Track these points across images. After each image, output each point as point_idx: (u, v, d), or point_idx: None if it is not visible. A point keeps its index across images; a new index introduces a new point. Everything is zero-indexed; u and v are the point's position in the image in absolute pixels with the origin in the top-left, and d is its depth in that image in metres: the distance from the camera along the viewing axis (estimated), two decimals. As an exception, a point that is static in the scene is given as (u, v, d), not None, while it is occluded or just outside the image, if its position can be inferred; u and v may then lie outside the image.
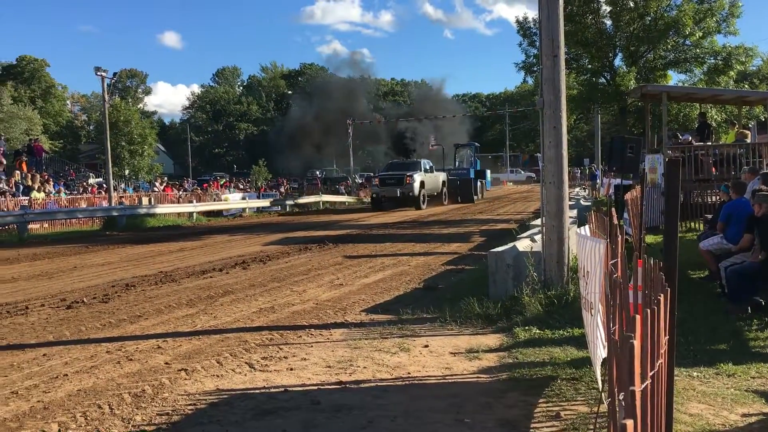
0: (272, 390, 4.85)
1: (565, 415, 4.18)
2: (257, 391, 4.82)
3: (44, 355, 5.98)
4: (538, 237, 8.71)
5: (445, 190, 31.77)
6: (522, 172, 68.85)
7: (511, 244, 8.39)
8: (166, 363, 5.61)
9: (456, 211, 27.54)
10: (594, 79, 30.07)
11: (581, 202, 22.35)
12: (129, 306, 8.33)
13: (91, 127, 73.04)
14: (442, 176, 31.89)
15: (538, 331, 6.30)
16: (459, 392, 4.75)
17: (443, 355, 5.72)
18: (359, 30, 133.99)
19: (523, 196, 38.87)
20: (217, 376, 5.21)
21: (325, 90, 36.79)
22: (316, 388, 4.88)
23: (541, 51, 7.57)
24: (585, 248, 4.43)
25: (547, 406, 4.38)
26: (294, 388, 4.87)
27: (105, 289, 9.71)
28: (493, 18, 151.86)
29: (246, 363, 5.57)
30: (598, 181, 33.97)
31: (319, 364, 5.49)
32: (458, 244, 14.55)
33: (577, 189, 38.52)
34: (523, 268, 7.40)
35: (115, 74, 28.28)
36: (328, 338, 6.45)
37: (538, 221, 11.24)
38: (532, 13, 30.04)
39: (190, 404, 4.54)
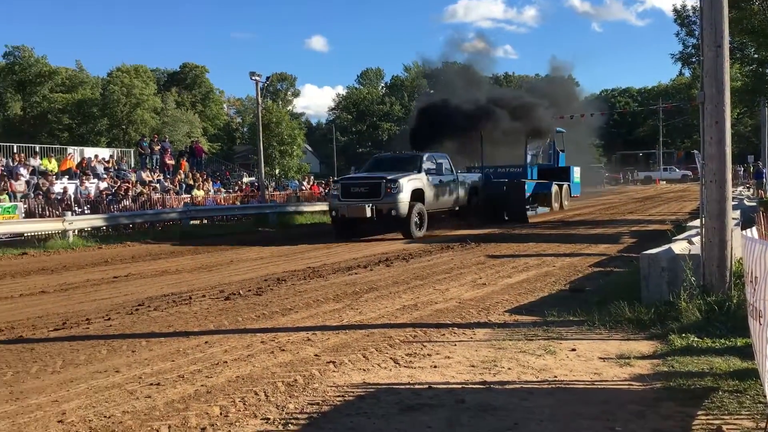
0: (416, 386, 4.91)
1: (727, 429, 3.91)
2: (402, 387, 4.90)
3: (206, 342, 6.42)
4: (696, 239, 8.19)
5: (474, 201, 20.55)
6: (677, 170, 64.92)
7: (666, 246, 7.94)
8: (316, 355, 5.84)
9: (603, 211, 26.42)
10: (761, 69, 27.65)
11: (745, 202, 20.79)
12: (280, 299, 8.75)
13: (245, 129, 77.31)
14: (470, 180, 20.79)
15: (696, 338, 5.92)
16: (609, 399, 4.57)
17: (592, 360, 5.53)
18: (502, 26, 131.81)
19: (678, 195, 36.70)
20: (364, 370, 5.35)
21: (451, 86, 29.18)
22: (460, 386, 4.89)
23: (702, 41, 7.09)
24: (753, 252, 4.11)
25: (707, 419, 4.11)
26: (438, 386, 4.90)
27: (259, 282, 10.26)
28: (646, 8, 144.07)
29: (391, 358, 5.67)
30: (764, 179, 31.31)
31: (463, 363, 5.49)
32: (606, 246, 13.99)
33: (740, 188, 35.72)
34: (679, 272, 6.98)
35: (267, 78, 29.69)
36: (471, 337, 6.43)
37: (695, 222, 10.59)
38: (692, 1, 28.25)
39: (338, 395, 4.70)
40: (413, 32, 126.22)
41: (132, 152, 31.59)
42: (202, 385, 4.97)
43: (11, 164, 23.46)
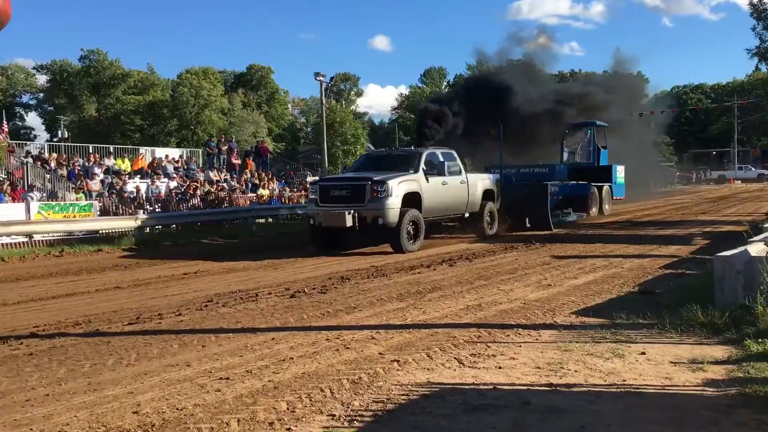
0: (481, 387, 4.89)
1: (808, 440, 3.75)
2: (466, 387, 4.88)
3: (272, 339, 6.54)
4: (773, 241, 7.87)
5: (491, 207, 17.27)
6: (752, 168, 62.49)
7: (741, 248, 7.65)
8: (380, 353, 5.88)
9: (673, 212, 25.60)
10: None
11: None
12: (344, 297, 8.84)
13: (309, 129, 78.31)
14: (483, 182, 17.23)
15: (773, 344, 5.69)
16: (680, 404, 4.44)
17: (662, 364, 5.38)
18: (568, 23, 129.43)
19: (754, 196, 35.33)
20: (428, 369, 5.35)
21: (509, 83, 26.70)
22: (525, 388, 4.84)
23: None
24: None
25: (786, 429, 3.95)
26: (503, 387, 4.86)
27: (323, 280, 10.39)
28: (719, 2, 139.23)
29: (455, 358, 5.66)
30: None
31: (528, 365, 5.43)
32: (677, 247, 13.58)
33: None
34: (755, 275, 6.72)
35: (331, 78, 30.03)
36: (536, 339, 6.36)
37: (773, 223, 10.16)
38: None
39: (402, 394, 4.72)
40: (477, 31, 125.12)
41: (200, 152, 32.42)
42: (269, 381, 5.08)
43: (87, 164, 24.43)
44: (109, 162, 25.48)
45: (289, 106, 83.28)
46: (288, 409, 4.44)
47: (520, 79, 27.43)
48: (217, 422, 4.18)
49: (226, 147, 29.72)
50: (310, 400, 4.61)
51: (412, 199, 14.35)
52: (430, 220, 15.32)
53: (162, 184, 23.92)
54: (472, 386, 4.90)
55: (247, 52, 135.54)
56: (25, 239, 16.91)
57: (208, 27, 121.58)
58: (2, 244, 16.43)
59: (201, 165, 29.62)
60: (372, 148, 48.77)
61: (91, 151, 26.60)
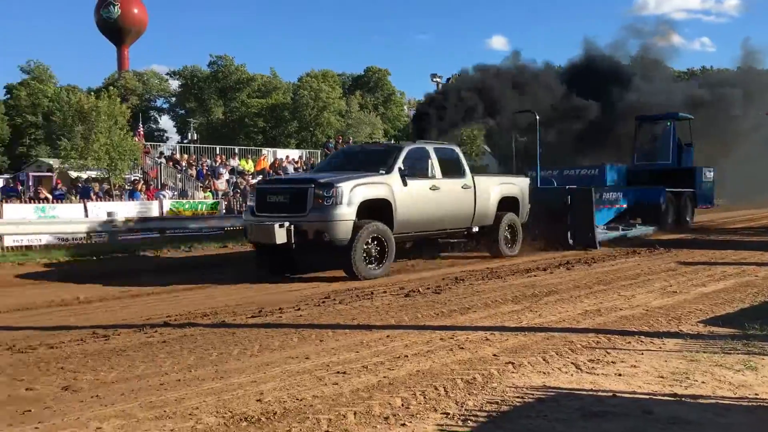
0: (600, 393, 4.75)
1: None
2: (584, 393, 4.77)
3: (387, 336, 6.65)
4: None
5: (512, 219, 13.75)
6: None
7: None
8: (494, 355, 5.84)
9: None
10: None
11: None
12: (459, 298, 8.83)
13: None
14: (500, 187, 13.67)
15: None
16: (821, 423, 4.14)
17: (800, 380, 5.02)
18: (699, 17, 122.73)
19: None
20: (543, 373, 5.27)
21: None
22: (647, 397, 4.66)
23: None
24: None
25: None
26: (623, 394, 4.70)
27: (437, 281, 10.43)
28: None
29: (572, 363, 5.53)
30: None
31: (650, 373, 5.22)
32: (819, 255, 12.59)
33: None
34: None
35: (447, 79, 30.02)
36: (660, 347, 6.09)
37: None
38: None
39: (517, 396, 4.67)
40: (598, 30, 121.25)
41: (318, 153, 33.36)
42: (384, 377, 5.17)
43: (214, 164, 25.76)
44: (234, 162, 26.75)
45: (405, 107, 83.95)
46: (402, 405, 4.50)
47: (632, 71, 24.30)
48: (334, 413, 4.31)
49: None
50: (424, 397, 4.66)
51: (375, 209, 11.03)
52: (411, 236, 12.12)
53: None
54: (590, 392, 4.78)
55: (365, 55, 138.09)
56: (157, 235, 18.09)
57: (327, 31, 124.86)
58: (141, 238, 17.68)
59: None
60: (488, 150, 48.13)
61: (218, 152, 28.03)
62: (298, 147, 50.68)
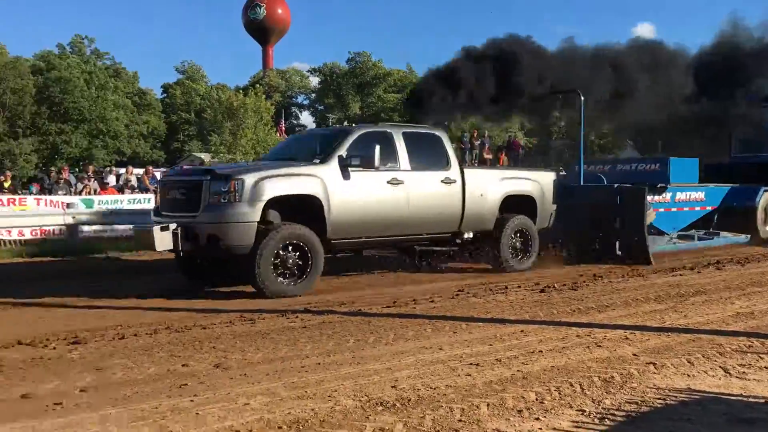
0: (750, 399, 4.48)
1: None
2: (732, 398, 4.51)
3: (521, 331, 6.59)
4: None
5: (522, 224, 11.23)
6: None
7: None
8: (634, 354, 5.64)
9: None
10: None
11: None
12: (596, 295, 8.59)
13: (562, 124, 76.43)
14: (504, 183, 11.24)
15: None
16: None
17: None
18: None
19: None
20: (688, 375, 5.03)
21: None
22: (805, 406, 4.33)
23: None
24: None
25: None
26: (777, 402, 4.41)
27: (574, 277, 10.19)
28: None
29: (720, 367, 5.23)
30: None
31: (810, 382, 4.84)
32: None
33: None
34: None
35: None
36: (821, 355, 5.63)
37: None
38: None
39: (658, 398, 4.49)
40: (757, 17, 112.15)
41: (453, 147, 33.30)
42: (518, 371, 5.14)
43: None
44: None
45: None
46: (536, 399, 4.47)
47: None
48: (467, 404, 4.35)
49: (479, 142, 30.18)
50: (559, 393, 4.59)
51: (300, 208, 9.03)
52: (357, 243, 9.84)
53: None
54: (739, 398, 4.51)
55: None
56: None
57: (460, 26, 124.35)
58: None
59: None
60: (632, 146, 45.99)
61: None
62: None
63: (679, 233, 14.10)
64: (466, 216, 10.54)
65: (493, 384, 4.81)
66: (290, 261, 8.77)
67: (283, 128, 37.41)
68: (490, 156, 29.95)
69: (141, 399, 4.47)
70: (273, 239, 8.60)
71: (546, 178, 11.86)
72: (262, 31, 76.36)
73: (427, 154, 10.37)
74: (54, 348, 5.97)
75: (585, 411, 4.25)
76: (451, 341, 6.17)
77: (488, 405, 4.33)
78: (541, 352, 5.73)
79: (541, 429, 3.95)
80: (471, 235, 10.79)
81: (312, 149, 10.01)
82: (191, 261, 9.78)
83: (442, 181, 10.29)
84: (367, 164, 9.27)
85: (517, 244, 11.20)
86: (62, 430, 3.88)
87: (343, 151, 9.39)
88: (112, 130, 53.16)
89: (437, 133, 10.87)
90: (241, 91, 32.56)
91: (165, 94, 67.15)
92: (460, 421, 4.07)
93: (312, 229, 8.94)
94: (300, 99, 74.94)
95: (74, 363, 5.47)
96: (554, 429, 3.95)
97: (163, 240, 8.54)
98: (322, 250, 9.02)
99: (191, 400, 4.44)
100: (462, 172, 10.56)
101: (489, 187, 10.92)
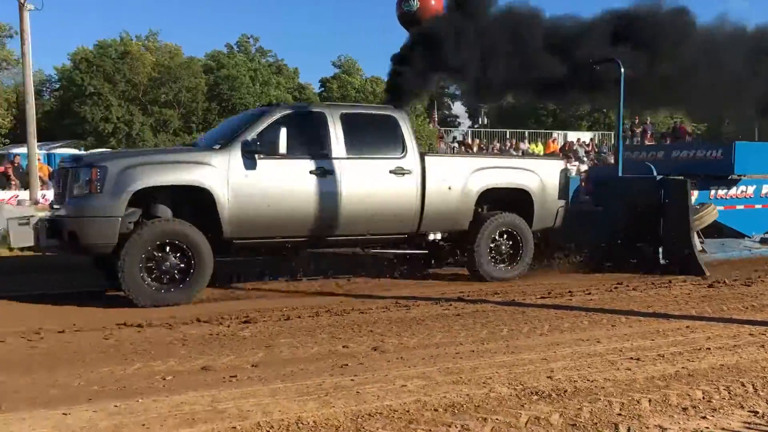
0: None
1: None
2: None
3: (687, 327, 6.27)
4: None
5: (508, 222, 9.22)
6: None
7: None
8: (817, 356, 5.19)
9: None
10: None
11: None
12: (773, 292, 7.98)
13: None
14: (482, 174, 9.13)
15: None
16: None
17: None
18: None
19: None
20: None
21: None
22: None
23: None
24: None
25: None
26: None
27: (749, 272, 9.50)
28: None
29: None
30: None
31: None
32: None
33: None
34: None
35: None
36: None
37: None
38: None
39: None
40: None
41: (611, 135, 32.01)
42: (682, 367, 4.91)
43: (504, 148, 26.22)
44: (524, 146, 26.92)
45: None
46: (703, 397, 4.25)
47: None
48: (627, 398, 4.22)
49: (641, 129, 28.76)
50: (729, 392, 4.34)
51: (191, 201, 7.73)
52: (265, 243, 8.25)
53: (573, 167, 24.38)
54: None
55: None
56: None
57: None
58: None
59: (611, 148, 29.25)
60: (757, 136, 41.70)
61: (507, 136, 28.45)
62: (590, 129, 49.13)
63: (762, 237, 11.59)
64: (427, 213, 8.78)
65: (655, 380, 4.64)
66: (168, 264, 7.37)
67: (436, 118, 37.63)
68: (652, 143, 28.43)
69: (306, 376, 4.76)
70: (141, 238, 7.24)
71: (548, 168, 9.75)
72: (416, 23, 76.92)
73: (373, 140, 8.76)
74: (228, 326, 6.47)
75: (758, 413, 3.99)
76: (609, 334, 5.99)
77: (650, 401, 4.19)
78: (709, 349, 5.43)
79: (708, 428, 3.77)
80: (438, 236, 9.10)
81: (229, 133, 8.37)
82: (101, 259, 8.23)
83: (391, 172, 8.56)
84: (272, 151, 7.77)
85: (502, 247, 9.27)
86: (238, 400, 4.22)
87: (250, 136, 7.88)
88: (275, 124, 55.96)
89: (393, 114, 8.95)
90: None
91: (323, 88, 69.84)
92: (619, 414, 3.97)
93: (205, 226, 7.59)
94: (452, 89, 74.97)
95: (246, 340, 5.90)
96: (723, 429, 3.76)
97: (18, 235, 7.44)
98: (209, 251, 7.52)
99: (351, 380, 4.67)
100: (422, 161, 8.78)
101: (457, 178, 9.00)
